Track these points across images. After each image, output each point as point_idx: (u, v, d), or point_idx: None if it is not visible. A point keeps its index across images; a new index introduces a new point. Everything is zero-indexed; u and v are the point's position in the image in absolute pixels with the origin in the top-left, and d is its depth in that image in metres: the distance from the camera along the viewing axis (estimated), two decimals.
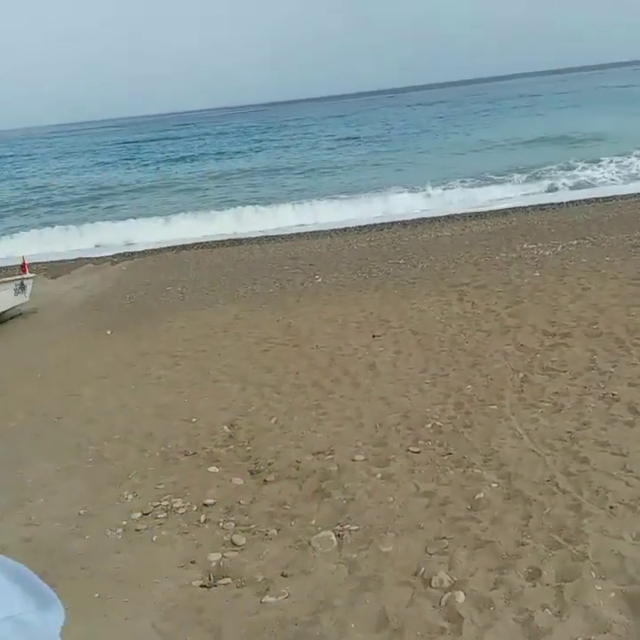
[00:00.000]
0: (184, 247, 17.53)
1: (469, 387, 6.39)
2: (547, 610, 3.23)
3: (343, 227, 18.16)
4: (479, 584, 3.46)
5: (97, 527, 4.71)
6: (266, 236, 17.96)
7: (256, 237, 17.94)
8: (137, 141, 60.28)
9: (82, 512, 4.96)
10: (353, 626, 3.29)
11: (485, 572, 3.55)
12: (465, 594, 3.39)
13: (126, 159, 43.70)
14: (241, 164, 34.84)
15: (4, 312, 11.39)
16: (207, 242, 18.00)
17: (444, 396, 6.27)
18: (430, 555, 3.79)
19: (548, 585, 3.42)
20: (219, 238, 18.50)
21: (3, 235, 21.01)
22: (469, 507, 4.27)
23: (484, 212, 17.33)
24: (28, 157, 55.01)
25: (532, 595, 3.36)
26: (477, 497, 4.36)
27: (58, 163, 48.00)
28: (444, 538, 3.92)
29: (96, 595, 3.85)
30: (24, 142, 78.74)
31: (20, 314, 11.87)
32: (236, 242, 17.71)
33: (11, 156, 58.34)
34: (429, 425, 5.66)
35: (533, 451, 4.89)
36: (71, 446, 6.19)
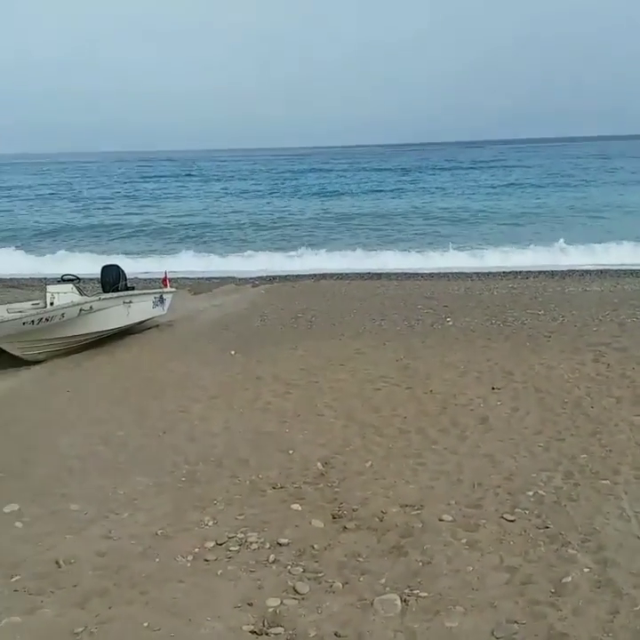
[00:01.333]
0: (324, 276, 17.68)
1: (584, 456, 5.88)
2: None
3: (486, 271, 17.68)
4: None
5: (169, 551, 4.67)
6: (405, 273, 17.79)
7: (396, 273, 17.79)
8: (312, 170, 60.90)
9: (159, 533, 4.94)
10: None
11: None
12: None
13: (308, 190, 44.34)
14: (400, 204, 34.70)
15: (141, 322, 11.88)
16: (347, 273, 18.05)
17: (555, 463, 5.80)
18: (497, 639, 3.43)
19: None
20: (359, 270, 18.52)
21: (175, 252, 21.94)
22: (553, 590, 3.86)
23: None
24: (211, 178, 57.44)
25: None
26: (564, 580, 3.94)
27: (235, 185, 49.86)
28: (516, 622, 3.55)
29: (145, 624, 3.77)
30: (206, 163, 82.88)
31: (157, 326, 12.33)
32: (375, 276, 17.64)
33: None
34: (531, 492, 5.23)
35: (639, 537, 4.37)
36: (168, 463, 6.24)
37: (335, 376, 8.76)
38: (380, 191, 41.97)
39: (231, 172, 65.37)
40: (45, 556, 4.66)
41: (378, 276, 17.59)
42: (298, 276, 17.97)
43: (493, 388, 7.98)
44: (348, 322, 12.06)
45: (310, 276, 17.86)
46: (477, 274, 17.27)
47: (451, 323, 11.70)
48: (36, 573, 4.44)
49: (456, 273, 17.52)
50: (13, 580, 4.38)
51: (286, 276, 18.05)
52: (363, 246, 22.06)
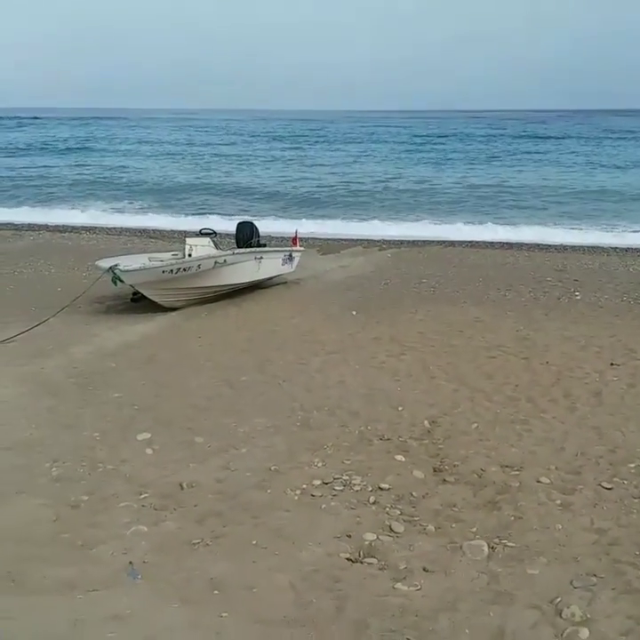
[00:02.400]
0: (452, 244, 17.63)
1: None
2: None
3: (625, 247, 17.04)
4: (610, 627, 3.28)
5: (280, 484, 5.10)
6: (537, 244, 17.44)
7: (527, 244, 17.47)
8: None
9: (273, 468, 5.38)
10: (467, 631, 3.30)
11: (622, 618, 3.34)
12: (590, 632, 3.22)
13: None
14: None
15: (270, 278, 12.41)
16: (477, 242, 17.91)
17: None
18: (574, 588, 3.63)
19: None
20: (489, 240, 18.32)
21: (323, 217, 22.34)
22: (638, 553, 3.96)
23: None
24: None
25: None
26: None
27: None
28: (595, 575, 3.71)
29: (253, 542, 4.22)
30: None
31: (285, 282, 12.84)
32: (505, 245, 17.40)
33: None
34: (633, 465, 5.28)
35: None
36: (285, 409, 6.68)
37: (451, 341, 8.91)
38: (532, 159, 40.38)
39: (367, 135, 65.08)
40: (170, 479, 5.20)
41: (509, 245, 17.35)
42: (425, 241, 18.00)
43: (612, 364, 7.90)
44: (471, 290, 12.09)
45: (438, 242, 17.85)
46: (615, 249, 16.70)
47: (579, 297, 11.51)
48: (161, 493, 4.99)
49: (590, 246, 17.00)
50: (142, 497, 4.93)
51: (414, 241, 18.12)
52: (495, 216, 21.74)
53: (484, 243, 17.77)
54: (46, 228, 19.26)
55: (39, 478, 5.19)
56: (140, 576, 3.84)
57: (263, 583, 3.78)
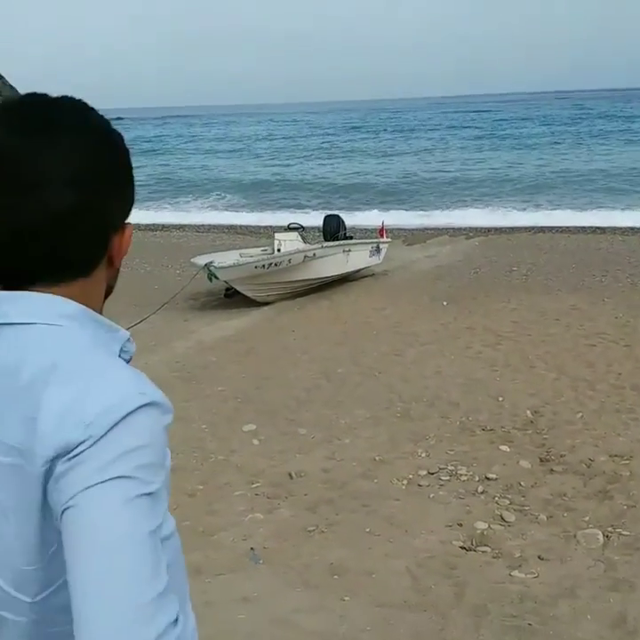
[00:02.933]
0: (542, 230, 17.32)
1: None
2: None
3: None
4: None
5: (386, 474, 5.19)
6: (631, 228, 16.93)
7: (621, 228, 16.99)
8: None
9: (377, 458, 5.47)
10: (588, 617, 3.32)
11: None
12: None
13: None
14: None
15: (358, 270, 12.50)
16: (567, 226, 17.53)
17: None
18: None
19: None
20: (579, 224, 17.89)
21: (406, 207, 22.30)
22: None
23: None
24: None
25: None
26: None
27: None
28: None
29: (367, 529, 4.32)
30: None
31: (373, 274, 12.90)
32: (598, 230, 16.98)
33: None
34: None
35: None
36: (384, 400, 6.76)
37: (548, 330, 8.79)
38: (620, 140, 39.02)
39: (448, 121, 64.28)
40: (279, 469, 5.36)
41: (601, 230, 16.91)
42: (513, 228, 17.73)
43: None
44: (564, 277, 11.87)
45: (527, 228, 17.55)
46: None
47: None
48: (272, 482, 5.15)
49: None
50: (254, 486, 5.11)
51: (502, 228, 17.87)
52: (585, 200, 21.22)
53: (575, 228, 17.37)
54: (138, 226, 19.90)
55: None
56: (261, 561, 4.01)
57: (381, 569, 3.88)
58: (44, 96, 1.00)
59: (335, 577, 3.82)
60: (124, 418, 0.85)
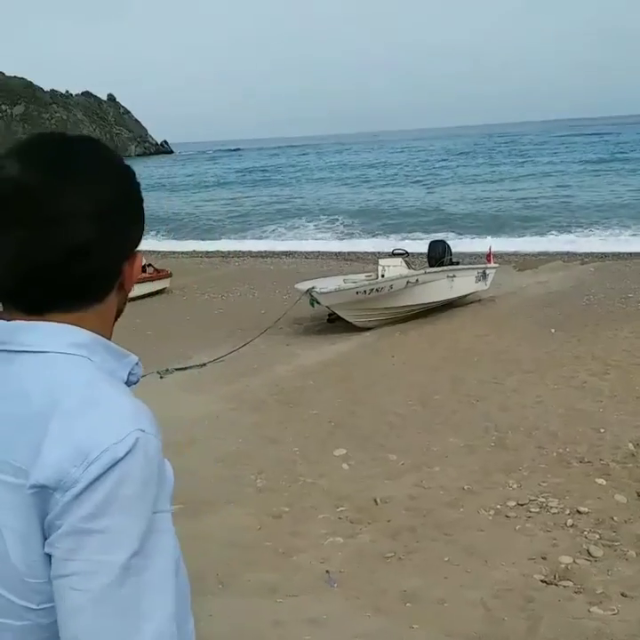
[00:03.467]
0: None
1: None
2: None
3: None
4: None
5: (473, 504, 5.08)
6: None
7: None
8: None
9: (466, 487, 5.37)
10: None
11: None
12: None
13: None
14: None
15: (464, 296, 12.34)
16: None
17: None
18: None
19: None
20: None
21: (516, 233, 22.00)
22: None
23: None
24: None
25: None
26: None
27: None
28: None
29: (446, 559, 4.25)
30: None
31: (480, 300, 12.70)
32: None
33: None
34: None
35: None
36: (479, 428, 6.64)
37: None
38: None
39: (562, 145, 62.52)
40: (365, 494, 5.36)
41: None
42: (632, 253, 17.02)
43: None
44: None
45: None
46: None
47: None
48: (357, 507, 5.16)
49: None
50: (339, 510, 5.14)
51: (619, 253, 17.20)
52: None
53: None
54: (249, 254, 20.52)
55: (246, 488, 5.57)
56: (336, 584, 4.02)
57: (454, 599, 3.81)
58: (62, 134, 1.09)
59: (407, 604, 3.78)
60: (122, 459, 0.91)
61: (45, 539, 0.92)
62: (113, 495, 0.90)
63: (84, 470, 0.90)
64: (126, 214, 1.08)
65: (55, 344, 1.00)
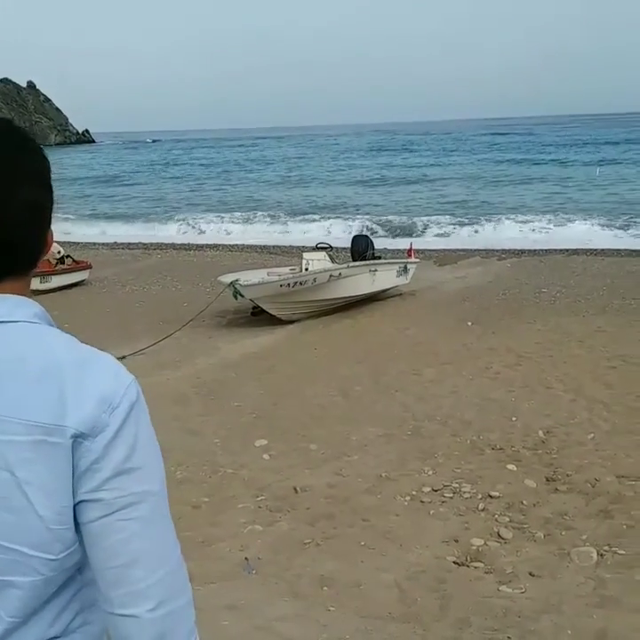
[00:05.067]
0: (576, 252, 17.15)
1: None
2: None
3: None
4: None
5: (390, 490, 5.22)
6: None
7: None
8: None
9: (383, 475, 5.50)
10: (569, 632, 3.32)
11: None
12: None
13: None
14: None
15: (385, 290, 12.54)
16: (602, 249, 17.33)
17: None
18: None
19: None
20: (615, 246, 17.71)
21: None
22: None
23: None
24: None
25: None
26: None
27: None
28: None
29: (362, 543, 4.37)
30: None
31: (400, 294, 12.93)
32: (634, 252, 16.76)
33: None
34: None
35: None
36: (397, 418, 6.79)
37: (570, 352, 8.73)
38: None
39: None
40: (285, 484, 5.43)
41: (637, 252, 16.68)
42: (548, 250, 17.60)
43: None
44: (594, 299, 11.76)
45: (561, 251, 17.41)
46: None
47: None
48: (276, 496, 5.22)
49: None
50: (258, 499, 5.18)
51: (536, 250, 17.76)
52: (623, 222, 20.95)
53: (610, 250, 17.18)
54: (172, 246, 20.26)
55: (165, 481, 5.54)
56: (254, 571, 4.07)
57: (370, 581, 3.91)
58: None
59: (324, 588, 3.87)
60: (136, 401, 1.07)
61: (74, 487, 1.01)
62: (138, 434, 1.05)
63: (110, 415, 1.02)
64: (49, 183, 1.16)
65: (22, 314, 1.07)
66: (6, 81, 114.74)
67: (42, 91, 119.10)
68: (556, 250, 17.61)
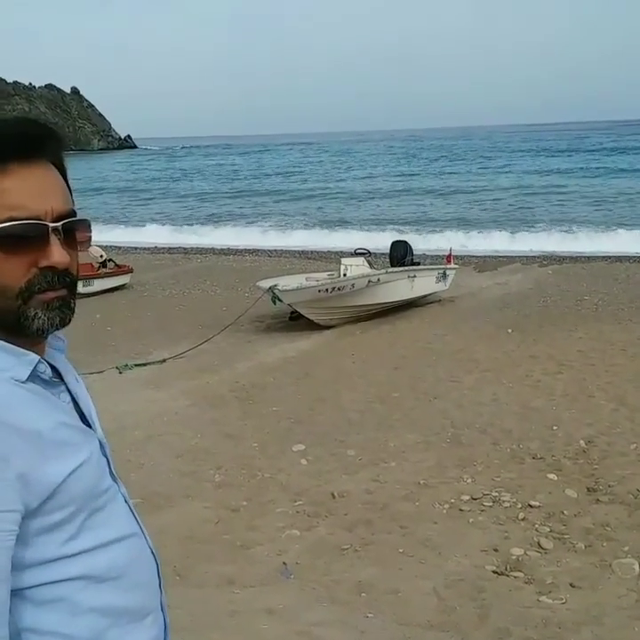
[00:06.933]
0: (619, 259, 16.91)
1: None
2: None
3: None
4: None
5: (428, 498, 5.19)
6: None
7: None
8: None
9: (421, 482, 5.48)
10: None
11: None
12: None
13: None
14: None
15: (424, 296, 12.49)
16: None
17: None
18: None
19: None
20: None
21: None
22: None
23: None
24: None
25: None
26: None
27: None
28: None
29: (400, 550, 4.35)
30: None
31: (439, 301, 12.86)
32: None
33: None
34: None
35: None
36: (436, 425, 6.75)
37: (613, 360, 8.59)
38: None
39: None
40: (323, 489, 5.44)
41: None
42: (590, 257, 17.38)
43: None
44: (637, 307, 11.56)
45: (604, 257, 17.18)
46: None
47: None
48: (314, 501, 5.23)
49: None
50: (296, 504, 5.20)
51: (577, 256, 17.54)
52: None
53: None
54: (212, 251, 20.44)
55: (204, 483, 5.60)
56: (292, 576, 4.08)
57: (408, 588, 3.90)
58: None
59: (362, 594, 3.86)
60: None
61: None
62: None
63: None
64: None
65: None
66: (51, 87, 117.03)
67: (85, 97, 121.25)
68: (598, 256, 17.39)
